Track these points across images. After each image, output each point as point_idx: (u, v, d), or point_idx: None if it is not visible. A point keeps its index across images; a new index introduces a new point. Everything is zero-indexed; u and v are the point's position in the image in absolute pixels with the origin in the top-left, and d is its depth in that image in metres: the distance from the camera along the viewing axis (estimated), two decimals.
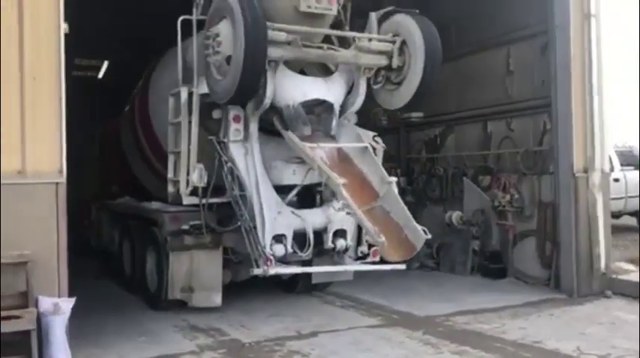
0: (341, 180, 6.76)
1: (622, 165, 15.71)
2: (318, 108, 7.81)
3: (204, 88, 7.57)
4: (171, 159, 8.11)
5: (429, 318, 8.05)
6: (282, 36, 7.00)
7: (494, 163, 10.97)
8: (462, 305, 8.56)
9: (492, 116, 11.07)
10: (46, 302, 5.70)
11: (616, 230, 11.22)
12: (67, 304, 5.80)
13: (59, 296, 5.86)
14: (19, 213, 5.80)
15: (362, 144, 7.65)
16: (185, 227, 8.34)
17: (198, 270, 8.34)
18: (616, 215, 14.30)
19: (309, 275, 8.50)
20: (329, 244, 7.84)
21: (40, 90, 6.00)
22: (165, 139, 9.03)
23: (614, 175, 13.44)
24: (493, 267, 10.43)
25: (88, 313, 6.07)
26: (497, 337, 7.01)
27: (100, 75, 19.35)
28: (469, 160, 11.52)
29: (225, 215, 8.06)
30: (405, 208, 6.83)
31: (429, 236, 6.52)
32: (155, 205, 9.31)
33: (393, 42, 7.72)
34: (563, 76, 9.16)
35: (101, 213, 12.83)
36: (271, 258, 7.21)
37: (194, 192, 7.70)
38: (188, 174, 7.70)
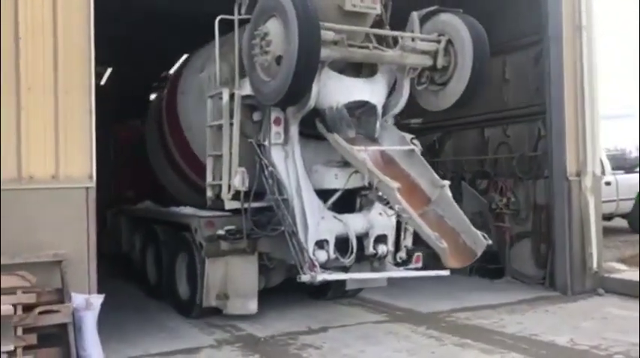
0: (395, 184, 6.47)
1: (613, 168, 15.94)
2: (358, 111, 7.53)
3: (246, 90, 7.28)
4: (209, 162, 7.78)
5: (431, 314, 8.31)
6: (330, 35, 6.70)
7: (491, 168, 11.11)
8: (462, 302, 8.78)
9: (489, 122, 11.20)
10: (78, 298, 5.90)
11: (608, 231, 11.57)
12: (98, 300, 6.02)
13: (90, 293, 6.12)
14: (54, 215, 6.12)
15: (409, 147, 7.35)
16: (221, 232, 8.01)
17: (233, 276, 8.01)
18: (608, 217, 14.85)
19: (342, 281, 8.18)
20: (370, 250, 7.54)
21: (72, 103, 6.33)
22: (195, 143, 8.76)
23: (605, 179, 13.87)
24: (491, 267, 10.51)
25: (109, 312, 6.21)
26: (496, 331, 7.34)
27: (103, 81, 18.81)
28: (467, 165, 11.67)
29: (258, 220, 7.78)
30: (461, 213, 6.54)
31: (490, 242, 6.23)
32: (186, 210, 8.97)
33: (438, 41, 7.43)
34: (556, 84, 9.45)
35: (118, 219, 12.40)
36: (317, 263, 6.89)
37: (235, 197, 7.32)
38: (230, 178, 7.30)
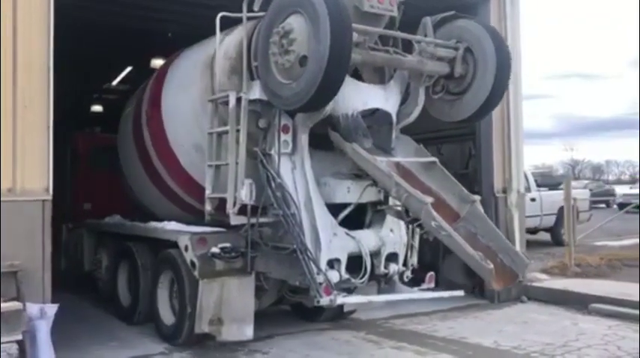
0: (429, 199, 5.81)
1: (540, 186, 16.90)
2: (368, 119, 6.84)
3: (255, 93, 6.47)
4: (209, 173, 6.92)
5: (370, 321, 8.63)
6: (354, 36, 5.98)
7: None
8: (398, 310, 8.90)
9: (426, 142, 10.90)
10: (33, 308, 5.83)
11: (532, 244, 12.53)
12: (52, 309, 5.99)
13: (44, 303, 6.11)
14: (10, 227, 6.08)
15: (429, 159, 6.72)
16: (215, 250, 7.12)
17: (229, 299, 7.11)
18: (532, 231, 15.81)
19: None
20: (382, 269, 6.85)
21: (30, 117, 6.35)
22: (182, 153, 7.86)
23: (530, 195, 15.12)
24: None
25: (59, 323, 6.17)
26: (429, 335, 7.83)
27: None
28: None
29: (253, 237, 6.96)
30: (497, 230, 5.95)
31: (531, 261, 5.64)
32: (171, 225, 8.00)
33: (456, 48, 6.84)
34: None
35: (78, 234, 11.16)
36: (332, 285, 6.15)
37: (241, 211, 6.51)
38: (235, 190, 6.47)
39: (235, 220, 6.57)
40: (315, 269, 6.23)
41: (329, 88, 5.74)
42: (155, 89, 8.54)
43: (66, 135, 11.94)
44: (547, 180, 18.14)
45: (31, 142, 6.32)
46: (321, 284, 6.19)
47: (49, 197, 6.35)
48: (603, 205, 32.86)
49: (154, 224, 8.39)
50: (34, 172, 6.32)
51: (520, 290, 9.79)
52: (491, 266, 5.39)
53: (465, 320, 8.55)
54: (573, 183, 17.54)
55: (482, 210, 6.13)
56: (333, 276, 6.38)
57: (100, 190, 11.66)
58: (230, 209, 6.52)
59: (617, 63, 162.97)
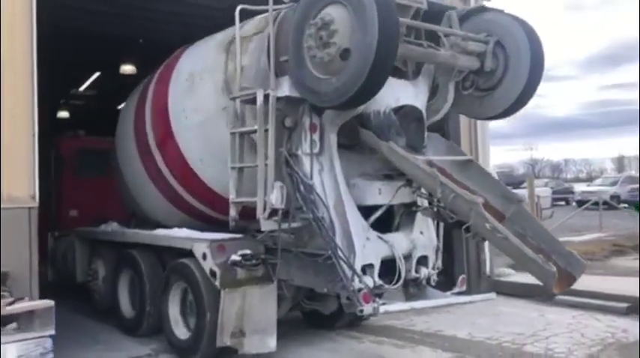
0: (479, 199, 5.39)
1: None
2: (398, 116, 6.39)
3: (284, 90, 5.93)
4: (233, 176, 6.34)
5: None
6: None
7: None
8: None
9: None
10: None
11: None
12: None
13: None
14: None
15: (465, 157, 6.30)
16: (235, 258, 6.56)
17: (251, 310, 6.57)
18: None
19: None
20: (412, 273, 6.42)
21: (16, 126, 6.29)
22: (192, 155, 7.27)
23: None
24: None
25: None
26: (407, 329, 8.02)
27: None
28: None
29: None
30: (548, 231, 5.55)
31: (587, 263, 5.28)
32: (182, 232, 7.38)
33: (486, 42, 6.45)
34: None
35: (66, 243, 10.37)
36: (372, 292, 5.69)
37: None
38: (265, 194, 5.93)
39: (266, 226, 6.02)
40: (352, 276, 5.73)
41: (375, 82, 5.28)
42: (160, 89, 7.89)
43: (48, 139, 11.14)
44: (509, 179, 18.29)
45: (16, 150, 6.24)
46: (359, 291, 5.69)
47: (35, 204, 6.33)
48: (563, 203, 33.41)
49: (162, 231, 7.74)
50: (19, 180, 6.27)
51: (489, 284, 9.97)
52: (554, 269, 5.00)
53: (439, 315, 8.56)
54: (534, 182, 17.67)
55: (529, 210, 5.71)
56: (367, 282, 5.90)
57: (87, 196, 10.93)
58: (260, 214, 5.97)
59: (569, 64, 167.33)
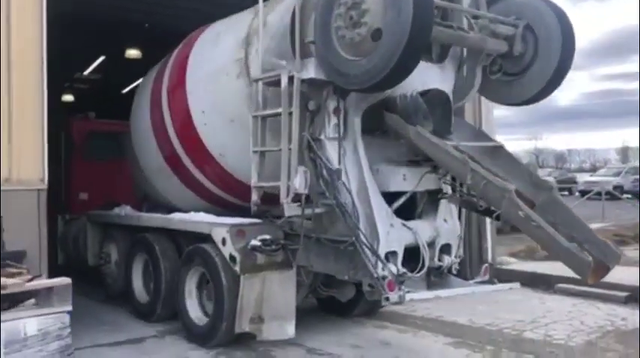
0: (512, 186, 5.19)
1: None
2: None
3: (309, 72, 5.72)
4: (255, 160, 6.15)
5: None
6: None
7: None
8: None
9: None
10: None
11: (502, 230, 12.61)
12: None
13: None
14: (6, 217, 5.97)
15: (495, 143, 6.10)
16: (255, 243, 6.39)
17: (270, 296, 6.44)
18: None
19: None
20: (435, 261, 6.23)
21: (25, 108, 6.32)
22: (210, 139, 7.07)
23: None
24: None
25: None
26: (408, 315, 7.95)
27: None
28: None
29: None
30: (582, 219, 5.35)
31: (623, 254, 5.09)
32: (199, 216, 7.19)
33: (515, 25, 6.22)
34: None
35: (77, 226, 10.19)
36: (398, 280, 5.51)
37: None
38: (288, 178, 5.75)
39: (290, 211, 5.83)
40: (375, 263, 5.55)
41: (407, 65, 5.07)
42: (177, 71, 7.67)
43: (58, 121, 10.94)
44: None
45: (26, 133, 6.29)
46: (384, 278, 5.51)
47: (45, 187, 6.39)
48: (566, 192, 33.25)
49: (178, 215, 7.55)
50: (29, 162, 6.31)
51: (490, 272, 9.64)
52: (590, 258, 4.81)
53: (440, 301, 8.47)
54: (538, 172, 17.54)
55: (561, 198, 5.53)
56: (391, 270, 5.72)
57: (97, 179, 10.72)
58: (284, 199, 5.79)
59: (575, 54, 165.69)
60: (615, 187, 26.11)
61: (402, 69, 5.07)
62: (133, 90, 16.71)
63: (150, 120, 8.20)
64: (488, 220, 9.36)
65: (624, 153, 79.65)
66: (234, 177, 7.20)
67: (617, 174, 33.10)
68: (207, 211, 7.45)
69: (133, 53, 14.24)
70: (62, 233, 10.72)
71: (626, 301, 8.40)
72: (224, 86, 6.76)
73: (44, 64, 6.40)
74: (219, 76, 6.84)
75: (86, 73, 17.11)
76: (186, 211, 7.64)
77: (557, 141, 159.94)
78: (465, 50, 6.42)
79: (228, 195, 7.54)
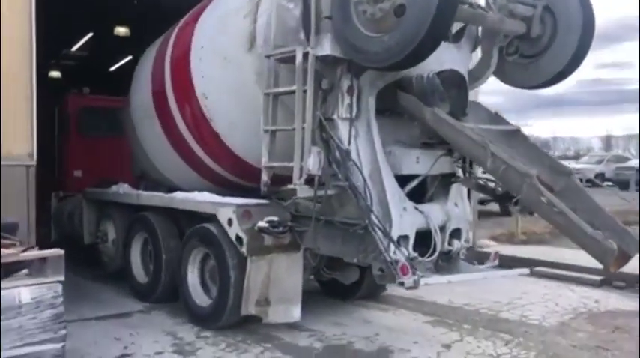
0: (533, 171, 5.02)
1: None
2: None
3: (325, 49, 5.47)
4: (265, 139, 5.91)
5: None
6: None
7: None
8: None
9: None
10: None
11: (482, 214, 13.01)
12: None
13: None
14: None
15: (511, 127, 5.92)
16: (262, 224, 6.16)
17: (277, 278, 6.24)
18: (482, 201, 15.37)
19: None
20: (445, 246, 6.07)
21: (14, 87, 6.21)
22: (216, 117, 6.81)
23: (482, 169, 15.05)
24: None
25: None
26: (389, 295, 7.97)
27: None
28: None
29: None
30: (601, 206, 5.20)
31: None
32: (203, 196, 6.94)
33: (534, 6, 6.01)
34: None
35: (72, 203, 9.89)
36: (412, 264, 5.34)
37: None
38: (301, 159, 5.52)
39: (302, 192, 5.62)
40: (390, 247, 5.36)
41: (431, 43, 4.86)
42: (181, 46, 7.36)
43: (52, 97, 10.60)
44: None
45: (15, 108, 6.18)
46: (397, 262, 5.33)
47: (33, 162, 6.33)
48: None
49: (181, 195, 7.30)
50: (18, 138, 6.24)
51: (471, 255, 9.83)
52: (615, 246, 4.66)
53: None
54: None
55: (580, 184, 5.36)
56: (401, 255, 5.53)
57: (92, 156, 10.42)
58: (296, 179, 5.56)
59: None
60: (597, 175, 26.17)
61: (426, 47, 4.85)
62: (121, 68, 16.50)
63: (151, 97, 7.89)
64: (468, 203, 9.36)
65: (607, 141, 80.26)
66: (237, 155, 6.95)
67: (600, 162, 33.15)
68: (208, 190, 7.22)
69: (121, 31, 13.91)
70: (56, 210, 10.41)
71: (600, 284, 8.65)
72: (232, 61, 6.48)
73: (33, 35, 6.27)
74: (227, 50, 6.56)
75: (74, 49, 16.68)
76: (186, 190, 7.38)
77: (543, 128, 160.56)
78: (480, 30, 6.22)
79: (230, 174, 7.30)
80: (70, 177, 10.62)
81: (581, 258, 9.06)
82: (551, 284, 8.82)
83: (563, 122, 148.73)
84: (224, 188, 7.37)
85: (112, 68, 17.40)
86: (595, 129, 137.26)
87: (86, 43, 15.84)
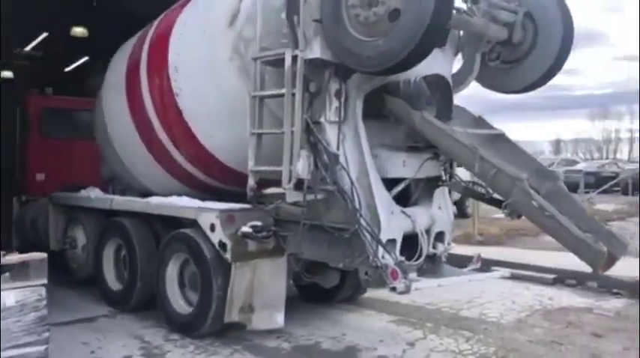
0: (524, 175, 5.06)
1: None
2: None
3: (314, 52, 5.39)
4: (252, 142, 5.78)
5: None
6: None
7: None
8: None
9: None
10: None
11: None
12: None
13: None
14: None
15: (496, 131, 5.97)
16: (246, 229, 6.05)
17: (261, 284, 6.15)
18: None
19: (357, 281, 6.61)
20: (430, 249, 6.08)
21: None
22: (196, 121, 6.66)
23: None
24: None
25: None
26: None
27: None
28: None
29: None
30: (585, 210, 5.28)
31: (630, 244, 5.05)
32: (183, 201, 6.76)
33: (515, 12, 6.07)
34: None
35: (35, 208, 9.50)
36: (403, 268, 5.33)
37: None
38: (290, 163, 5.44)
39: (292, 197, 5.52)
40: (379, 251, 5.33)
41: (427, 48, 4.82)
42: (158, 46, 7.12)
43: (13, 96, 10.18)
44: None
45: None
46: (386, 267, 5.30)
47: None
48: None
49: (158, 199, 7.09)
50: None
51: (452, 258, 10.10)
52: (605, 249, 4.73)
53: None
54: None
55: (565, 188, 5.43)
56: (388, 258, 5.51)
57: (55, 159, 10.03)
58: (285, 184, 5.46)
59: None
60: None
61: (421, 52, 4.81)
62: (78, 68, 16.01)
63: (126, 99, 7.63)
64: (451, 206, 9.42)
65: (557, 145, 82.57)
66: (217, 159, 6.79)
67: (550, 166, 34.02)
68: (185, 195, 7.03)
69: (79, 31, 13.50)
70: (18, 215, 9.99)
71: (553, 282, 9.09)
72: (209, 34, 6.32)
73: None
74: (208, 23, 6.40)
75: (27, 49, 16.06)
76: (160, 194, 7.18)
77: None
78: (461, 34, 6.25)
79: (209, 178, 7.13)
80: (33, 180, 10.20)
81: (535, 258, 9.97)
82: (507, 283, 9.00)
83: (516, 126, 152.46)
84: (201, 192, 7.18)
85: (68, 69, 16.87)
86: (546, 134, 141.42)
87: (41, 42, 15.28)
